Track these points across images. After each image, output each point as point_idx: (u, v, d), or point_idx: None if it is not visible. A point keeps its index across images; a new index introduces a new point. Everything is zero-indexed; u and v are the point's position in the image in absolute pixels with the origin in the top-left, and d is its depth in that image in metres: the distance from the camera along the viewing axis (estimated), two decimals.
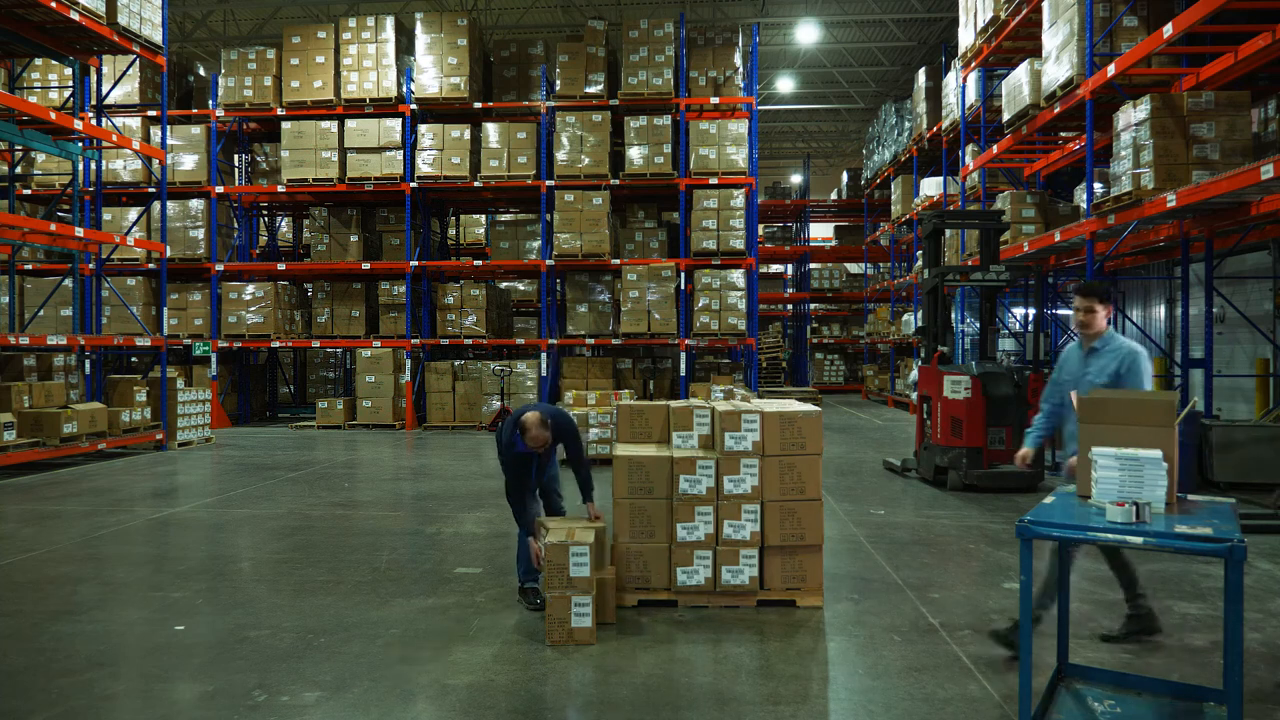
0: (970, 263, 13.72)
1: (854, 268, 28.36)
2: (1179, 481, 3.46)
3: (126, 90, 15.38)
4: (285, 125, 15.68)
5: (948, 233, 13.91)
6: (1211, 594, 5.39)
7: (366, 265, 15.84)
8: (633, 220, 16.51)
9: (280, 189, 15.82)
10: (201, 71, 18.46)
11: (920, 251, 13.97)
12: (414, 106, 15.60)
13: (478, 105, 15.71)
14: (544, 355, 15.57)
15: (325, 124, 15.60)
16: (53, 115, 10.65)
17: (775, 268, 31.00)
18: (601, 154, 15.26)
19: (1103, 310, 4.41)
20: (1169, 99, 8.86)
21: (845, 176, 27.44)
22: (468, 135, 15.46)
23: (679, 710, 3.78)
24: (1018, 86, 12.25)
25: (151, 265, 15.42)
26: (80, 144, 12.30)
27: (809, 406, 5.22)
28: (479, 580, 5.74)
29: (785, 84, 26.40)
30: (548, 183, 15.48)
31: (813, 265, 26.97)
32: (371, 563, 6.18)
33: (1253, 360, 12.75)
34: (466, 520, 7.61)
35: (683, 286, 15.35)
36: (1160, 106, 8.78)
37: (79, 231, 11.26)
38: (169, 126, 15.42)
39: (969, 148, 15.60)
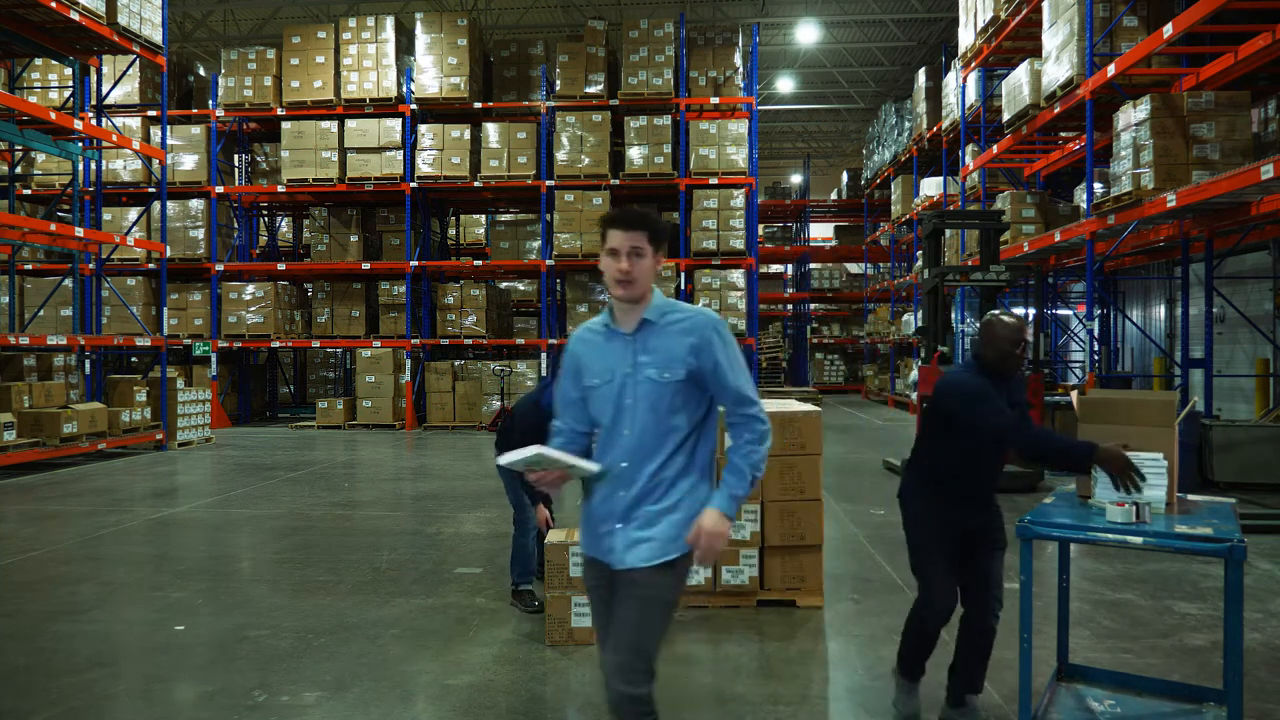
0: (970, 263, 13.72)
1: (854, 268, 28.36)
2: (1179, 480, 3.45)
3: (126, 90, 15.38)
4: (285, 125, 15.68)
5: (948, 233, 13.91)
6: (1211, 594, 5.39)
7: (366, 265, 15.84)
8: None
9: (280, 189, 15.82)
10: (201, 71, 18.46)
11: (920, 251, 13.95)
12: (414, 106, 15.60)
13: (478, 105, 15.71)
14: (544, 355, 15.57)
15: (325, 124, 15.60)
16: (53, 115, 10.65)
17: (775, 268, 31.00)
18: (601, 154, 15.26)
19: (653, 255, 2.56)
20: (1169, 99, 8.86)
21: (845, 176, 27.45)
22: (468, 135, 15.46)
23: (679, 710, 3.78)
24: (1018, 86, 12.25)
25: (151, 265, 15.41)
26: (80, 144, 12.30)
27: (809, 406, 5.21)
28: (479, 580, 5.74)
29: (785, 84, 26.40)
30: (548, 183, 15.48)
31: (813, 265, 26.98)
32: (371, 563, 6.18)
33: (1253, 360, 12.75)
34: (466, 520, 7.61)
35: (683, 286, 15.36)
36: (1160, 106, 8.78)
37: (79, 231, 11.25)
38: (169, 126, 15.40)
39: (969, 148, 15.60)
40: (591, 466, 2.52)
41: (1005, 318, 3.53)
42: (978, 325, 3.69)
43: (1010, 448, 3.49)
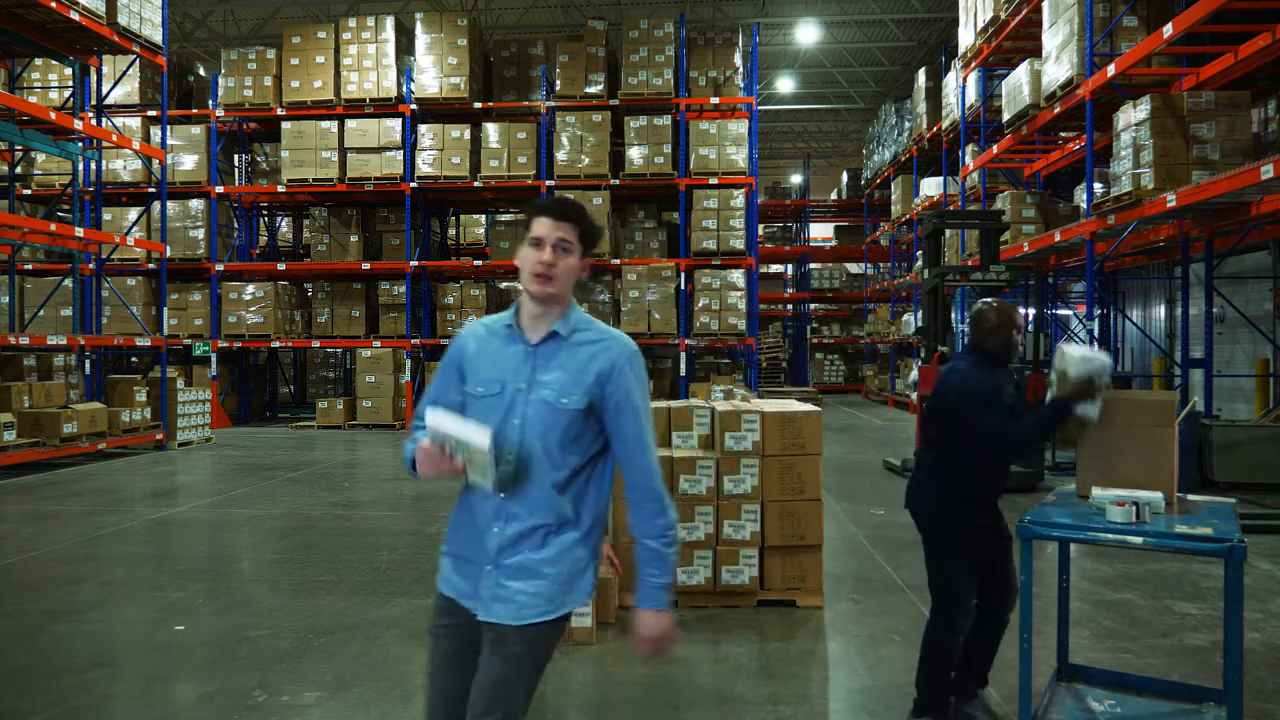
0: (970, 263, 13.72)
1: (854, 268, 28.37)
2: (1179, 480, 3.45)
3: (126, 90, 15.37)
4: (285, 125, 15.67)
5: (948, 233, 13.91)
6: (1211, 594, 5.39)
7: (366, 265, 15.84)
8: (633, 220, 16.51)
9: (280, 189, 15.82)
10: (201, 71, 18.46)
11: (920, 251, 13.96)
12: (414, 106, 15.60)
13: (478, 105, 15.71)
14: None
15: (325, 124, 15.60)
16: (53, 115, 10.64)
17: (775, 268, 31.00)
18: (601, 154, 15.26)
19: (579, 255, 2.20)
20: (1169, 99, 8.85)
21: (845, 176, 27.45)
22: (468, 135, 15.46)
23: (679, 710, 3.78)
24: (1018, 86, 12.25)
25: (151, 265, 15.41)
26: (80, 144, 12.30)
27: (809, 406, 5.22)
28: None
29: (785, 84, 26.40)
30: (548, 183, 15.48)
31: (813, 265, 26.98)
32: (371, 563, 6.18)
33: (1253, 360, 12.76)
34: None
35: (683, 286, 15.35)
36: (1160, 106, 8.78)
37: (79, 231, 11.25)
38: (169, 126, 15.39)
39: (969, 148, 15.60)
40: (485, 483, 2.13)
41: (998, 304, 3.48)
42: (969, 319, 3.62)
43: (995, 458, 3.46)
